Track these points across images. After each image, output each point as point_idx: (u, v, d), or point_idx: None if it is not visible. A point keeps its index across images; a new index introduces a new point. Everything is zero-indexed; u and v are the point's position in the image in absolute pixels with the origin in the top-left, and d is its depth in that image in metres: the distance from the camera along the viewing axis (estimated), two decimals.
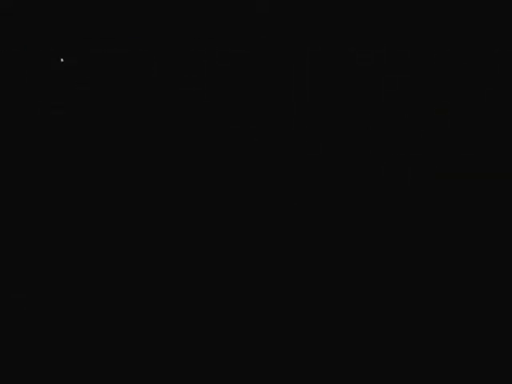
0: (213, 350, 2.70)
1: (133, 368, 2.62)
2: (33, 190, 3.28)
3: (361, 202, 3.45)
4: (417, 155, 3.41)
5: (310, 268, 3.15)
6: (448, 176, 3.32)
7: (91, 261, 3.07)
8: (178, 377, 2.59)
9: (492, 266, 3.06)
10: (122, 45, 3.83)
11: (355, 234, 3.31)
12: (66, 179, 3.34)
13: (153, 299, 2.95)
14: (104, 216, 3.27)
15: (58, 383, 2.55)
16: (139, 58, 4.02)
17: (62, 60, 3.17)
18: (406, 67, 3.43)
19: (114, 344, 2.73)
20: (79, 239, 3.16)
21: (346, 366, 2.64)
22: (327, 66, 3.65)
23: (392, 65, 3.46)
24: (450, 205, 3.29)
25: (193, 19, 3.70)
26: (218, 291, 2.98)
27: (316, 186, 3.52)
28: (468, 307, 2.89)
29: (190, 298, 2.95)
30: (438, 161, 3.39)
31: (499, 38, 3.35)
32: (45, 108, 3.57)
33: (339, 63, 3.62)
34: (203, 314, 2.88)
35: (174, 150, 3.42)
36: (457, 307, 2.90)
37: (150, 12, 3.62)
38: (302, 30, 3.65)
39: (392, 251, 3.19)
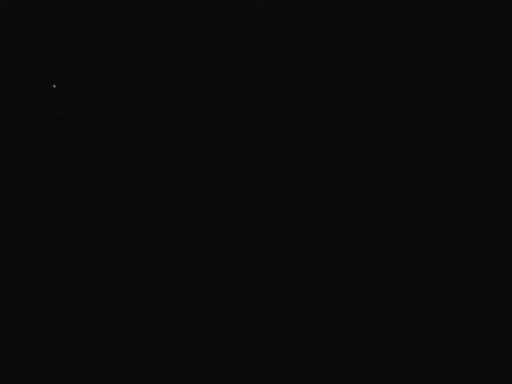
0: (213, 350, 2.70)
1: (133, 368, 2.62)
2: (33, 190, 3.28)
3: (361, 201, 3.45)
4: (417, 155, 3.41)
5: (311, 268, 3.15)
6: (448, 176, 3.32)
7: (91, 261, 3.07)
8: (178, 377, 2.59)
9: (492, 266, 3.05)
10: (122, 45, 3.83)
11: (355, 233, 3.31)
12: (66, 179, 3.33)
13: (153, 299, 2.95)
14: (104, 216, 3.27)
15: (58, 383, 2.55)
16: (139, 58, 4.02)
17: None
18: (406, 67, 3.43)
19: (114, 344, 2.72)
20: (79, 239, 3.16)
21: (346, 366, 2.64)
22: (327, 66, 3.65)
23: (392, 65, 3.46)
24: (450, 205, 3.29)
25: (193, 19, 3.70)
26: (217, 291, 2.97)
27: (316, 186, 3.52)
28: (468, 307, 2.88)
29: (190, 298, 2.95)
30: (438, 161, 3.38)
31: (499, 38, 3.34)
32: (45, 108, 3.57)
33: (339, 63, 3.61)
34: (203, 315, 2.88)
35: (173, 149, 3.41)
36: (457, 307, 2.90)
37: (150, 12, 3.61)
38: (301, 30, 3.65)
39: (392, 251, 3.19)
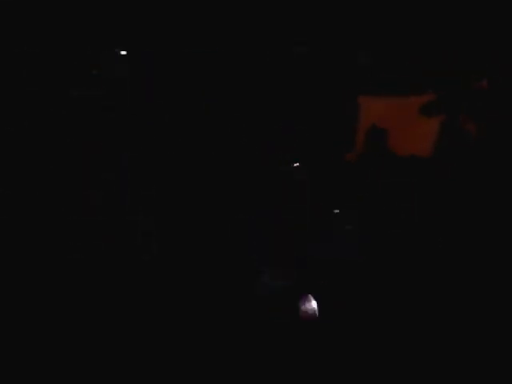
0: (212, 351, 2.70)
1: (133, 368, 2.62)
2: (32, 190, 3.28)
3: (361, 201, 3.45)
4: (416, 155, 3.41)
5: (309, 268, 3.15)
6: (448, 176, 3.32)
7: (90, 260, 3.07)
8: (178, 377, 2.59)
9: (492, 266, 3.05)
10: (122, 45, 3.83)
11: (355, 233, 3.31)
12: (66, 179, 3.33)
13: (152, 299, 2.95)
14: (103, 215, 3.27)
15: (57, 383, 2.55)
16: (139, 58, 4.02)
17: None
18: (406, 67, 3.43)
19: (114, 344, 2.73)
20: (78, 239, 3.16)
21: (346, 366, 2.64)
22: (327, 66, 3.65)
23: (392, 65, 3.46)
24: (450, 205, 3.30)
25: (193, 19, 3.70)
26: (217, 291, 2.98)
27: (315, 186, 3.52)
28: (468, 307, 2.88)
29: (189, 298, 2.95)
30: (437, 161, 3.39)
31: (499, 38, 3.34)
32: (45, 108, 3.57)
33: (339, 63, 3.62)
34: (202, 315, 2.88)
35: (173, 150, 3.42)
36: (457, 307, 2.90)
37: (149, 12, 3.62)
38: (302, 29, 3.65)
39: (392, 250, 3.20)
